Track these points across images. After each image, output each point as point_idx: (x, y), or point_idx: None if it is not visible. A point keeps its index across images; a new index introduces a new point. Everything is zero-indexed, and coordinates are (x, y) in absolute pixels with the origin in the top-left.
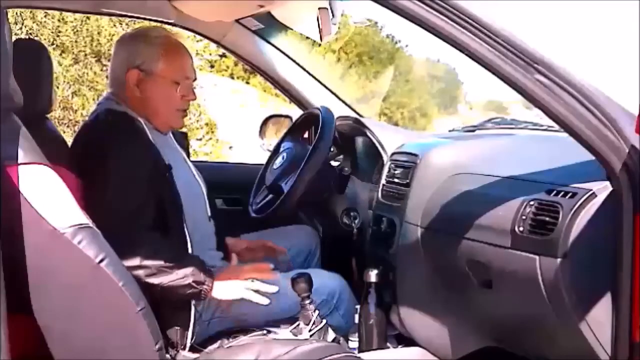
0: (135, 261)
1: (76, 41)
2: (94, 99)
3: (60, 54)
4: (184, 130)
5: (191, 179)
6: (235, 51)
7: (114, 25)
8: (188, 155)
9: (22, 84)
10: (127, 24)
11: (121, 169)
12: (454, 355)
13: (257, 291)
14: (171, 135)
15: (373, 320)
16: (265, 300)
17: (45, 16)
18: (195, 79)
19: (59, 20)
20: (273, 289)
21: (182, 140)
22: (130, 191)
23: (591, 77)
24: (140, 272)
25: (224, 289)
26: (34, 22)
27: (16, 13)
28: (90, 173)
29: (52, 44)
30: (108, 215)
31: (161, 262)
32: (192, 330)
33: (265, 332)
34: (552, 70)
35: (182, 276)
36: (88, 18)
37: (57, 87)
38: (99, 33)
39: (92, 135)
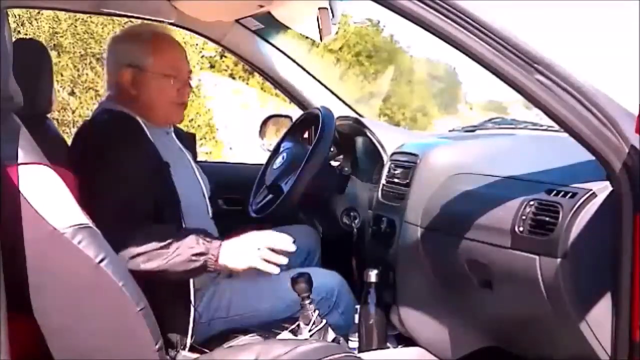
0: (132, 252)
1: (73, 42)
2: (91, 99)
3: (57, 55)
4: (191, 132)
5: (191, 179)
6: (235, 51)
7: (105, 26)
8: (195, 156)
9: (22, 84)
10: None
11: (118, 168)
12: (454, 355)
13: (268, 261)
14: (174, 136)
15: (373, 320)
16: (276, 270)
17: (38, 14)
18: (190, 72)
19: (54, 21)
20: (284, 260)
21: (190, 141)
22: (127, 189)
23: (591, 77)
24: (138, 261)
25: (233, 257)
26: (30, 23)
27: (13, 14)
28: (88, 172)
29: (48, 44)
30: (104, 212)
31: (154, 245)
32: (192, 330)
33: (265, 332)
34: (552, 70)
35: (177, 252)
36: (84, 19)
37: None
38: (95, 33)
39: (89, 135)
